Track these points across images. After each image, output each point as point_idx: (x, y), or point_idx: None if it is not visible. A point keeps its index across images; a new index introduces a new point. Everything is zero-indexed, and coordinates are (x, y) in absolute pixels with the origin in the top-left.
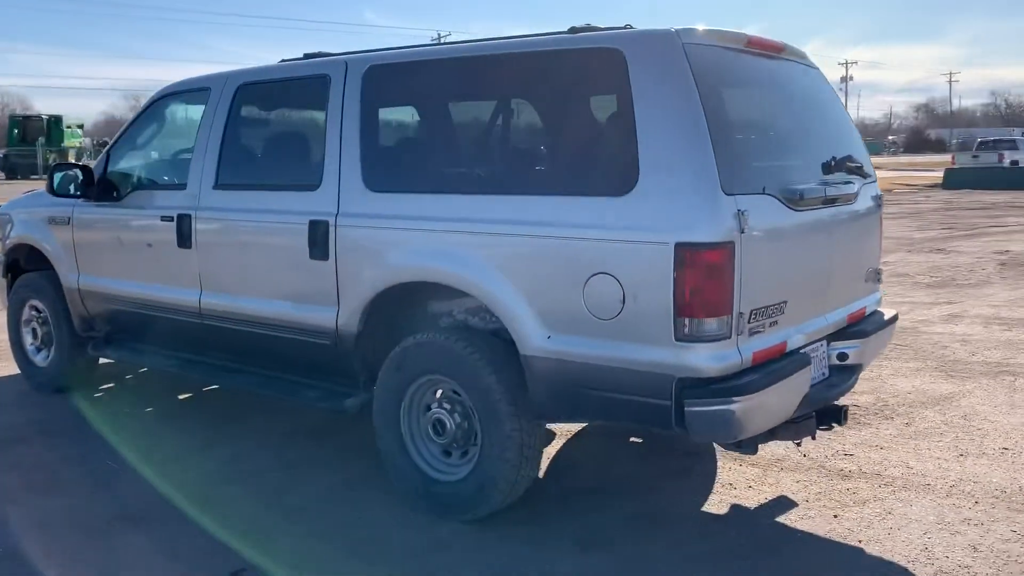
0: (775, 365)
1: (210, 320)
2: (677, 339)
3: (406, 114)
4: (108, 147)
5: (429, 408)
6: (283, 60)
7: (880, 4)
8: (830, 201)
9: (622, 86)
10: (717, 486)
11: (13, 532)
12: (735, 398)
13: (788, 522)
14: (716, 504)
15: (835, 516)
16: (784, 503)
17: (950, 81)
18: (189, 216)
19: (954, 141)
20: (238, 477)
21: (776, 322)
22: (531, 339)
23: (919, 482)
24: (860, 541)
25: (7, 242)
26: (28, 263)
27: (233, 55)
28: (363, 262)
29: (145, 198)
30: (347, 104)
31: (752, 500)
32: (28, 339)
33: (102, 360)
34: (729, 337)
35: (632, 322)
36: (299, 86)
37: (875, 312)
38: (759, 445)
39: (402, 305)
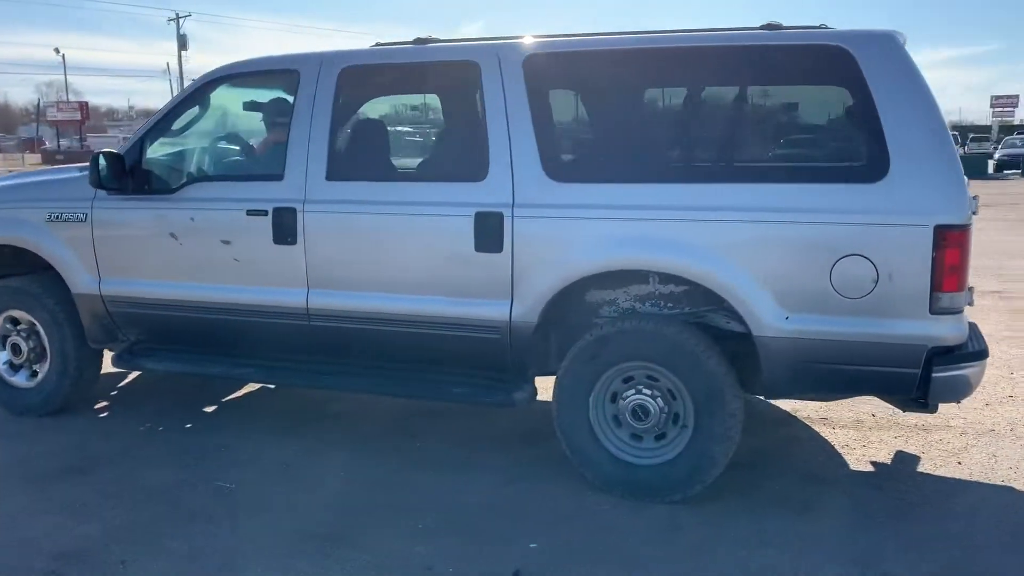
0: (975, 333)
1: (322, 321)
2: (932, 312)
3: (592, 103)
4: (141, 134)
5: (616, 395)
6: (379, 44)
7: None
8: None
9: (856, 81)
10: (836, 448)
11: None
12: (972, 363)
13: (928, 471)
14: (856, 463)
15: (959, 463)
16: (908, 457)
17: None
18: (293, 209)
19: None
20: (385, 484)
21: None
22: (768, 321)
23: (983, 428)
24: (1003, 480)
25: None
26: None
27: None
28: (550, 253)
29: (213, 190)
30: (510, 93)
31: (879, 457)
32: (2, 357)
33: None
34: (963, 310)
35: (884, 299)
36: (432, 72)
37: None
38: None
39: (576, 295)
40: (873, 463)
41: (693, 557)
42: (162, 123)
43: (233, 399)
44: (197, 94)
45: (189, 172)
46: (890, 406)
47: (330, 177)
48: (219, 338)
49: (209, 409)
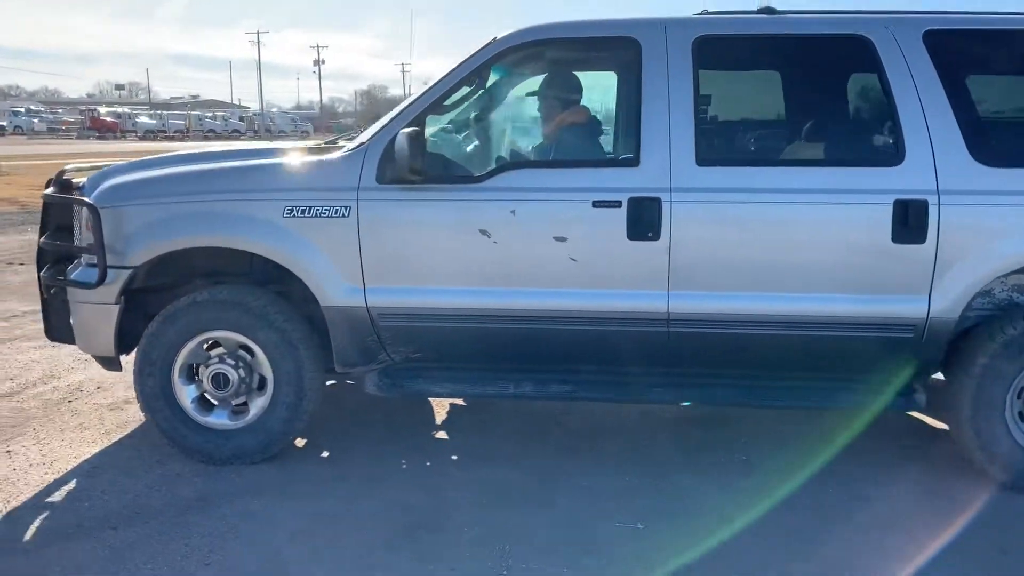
0: None
1: (684, 326)
2: None
3: (1015, 85)
4: (419, 110)
5: (1023, 390)
6: (706, 12)
7: None
8: None
9: None
10: None
11: None
12: None
13: None
14: None
15: None
16: None
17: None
18: (657, 200)
19: None
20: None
21: None
22: None
23: None
24: None
25: (141, 249)
26: (152, 278)
27: None
28: (980, 243)
29: (538, 178)
30: (917, 70)
31: None
32: (190, 392)
33: None
34: None
35: None
36: (807, 46)
37: None
38: None
39: None
40: None
41: None
42: (445, 97)
43: (458, 420)
44: (493, 63)
45: (499, 156)
46: None
47: (702, 162)
48: (531, 352)
49: (442, 435)
